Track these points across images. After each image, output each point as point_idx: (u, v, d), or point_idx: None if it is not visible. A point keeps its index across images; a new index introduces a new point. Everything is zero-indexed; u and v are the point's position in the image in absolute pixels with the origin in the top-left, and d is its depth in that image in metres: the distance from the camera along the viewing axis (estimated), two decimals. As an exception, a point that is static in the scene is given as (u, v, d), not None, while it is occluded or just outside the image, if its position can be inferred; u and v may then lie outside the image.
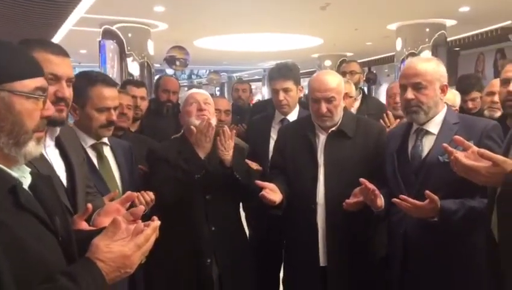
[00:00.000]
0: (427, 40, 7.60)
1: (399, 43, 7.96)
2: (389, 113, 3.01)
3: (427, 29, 7.62)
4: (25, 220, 0.99)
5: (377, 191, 1.95)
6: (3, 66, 0.99)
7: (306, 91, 3.12)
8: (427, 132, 2.02)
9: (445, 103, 2.09)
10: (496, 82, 3.13)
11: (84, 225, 1.40)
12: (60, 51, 1.55)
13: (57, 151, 1.65)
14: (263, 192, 2.05)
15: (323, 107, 2.23)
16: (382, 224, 2.21)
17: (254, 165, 2.57)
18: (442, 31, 7.69)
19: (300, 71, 3.27)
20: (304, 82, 3.24)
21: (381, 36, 8.90)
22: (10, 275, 0.91)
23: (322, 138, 2.32)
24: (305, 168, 2.30)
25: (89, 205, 1.41)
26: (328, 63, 11.98)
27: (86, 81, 2.05)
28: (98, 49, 7.63)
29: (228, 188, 2.25)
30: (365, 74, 13.60)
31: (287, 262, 2.55)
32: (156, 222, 1.09)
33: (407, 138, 2.08)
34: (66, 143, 1.68)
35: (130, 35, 7.34)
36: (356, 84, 3.99)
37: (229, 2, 6.31)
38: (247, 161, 2.51)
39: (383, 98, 3.80)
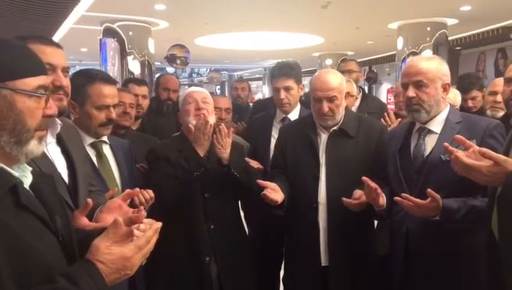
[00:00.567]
0: (428, 39, 7.58)
1: (400, 42, 7.94)
2: (390, 112, 3.01)
3: (428, 28, 7.60)
4: (26, 220, 0.98)
5: (379, 190, 1.94)
6: (5, 64, 0.98)
7: (306, 90, 3.12)
8: (430, 131, 2.01)
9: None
10: (498, 81, 3.13)
11: (84, 221, 1.40)
12: (53, 42, 1.61)
13: (58, 149, 1.65)
14: (265, 191, 2.05)
15: (325, 106, 2.23)
16: (384, 223, 2.21)
17: (254, 164, 2.57)
18: (444, 30, 7.67)
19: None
20: (305, 81, 3.24)
21: (382, 35, 8.88)
22: (9, 275, 0.90)
23: (323, 137, 2.31)
24: (306, 167, 2.29)
25: (89, 200, 1.40)
26: (329, 61, 11.95)
27: (85, 79, 2.05)
28: (99, 47, 7.61)
29: (227, 186, 2.24)
30: (366, 72, 13.65)
31: (288, 261, 2.55)
32: (157, 224, 1.08)
33: (409, 137, 2.08)
34: (67, 140, 1.67)
35: (130, 33, 7.32)
36: (354, 83, 3.99)
37: (229, 1, 6.30)
38: (247, 159, 2.50)
39: (383, 97, 3.81)
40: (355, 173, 2.09)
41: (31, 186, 1.05)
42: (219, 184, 2.24)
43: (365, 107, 3.73)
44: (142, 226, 1.06)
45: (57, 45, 1.62)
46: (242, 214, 2.75)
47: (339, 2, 6.28)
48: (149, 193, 1.98)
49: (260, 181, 2.09)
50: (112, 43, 7.37)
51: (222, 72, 17.61)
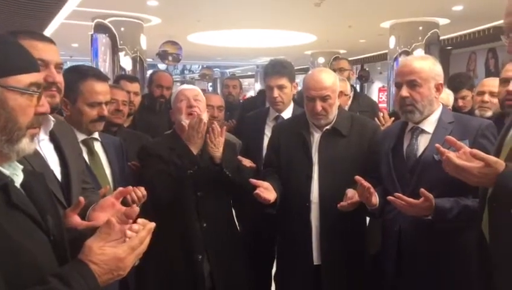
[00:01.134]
0: (420, 38, 7.63)
1: (392, 41, 7.97)
2: (384, 111, 3.02)
3: (420, 28, 7.64)
4: (17, 219, 0.97)
5: (372, 189, 1.94)
6: None
7: (299, 88, 3.12)
8: (423, 131, 2.02)
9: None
10: (487, 81, 3.15)
11: (76, 219, 1.38)
12: (45, 38, 1.58)
13: (51, 146, 1.63)
14: (257, 190, 2.04)
15: (318, 105, 2.23)
16: (375, 221, 2.22)
17: (247, 162, 2.56)
18: (435, 30, 7.72)
19: (293, 68, 3.25)
20: (297, 79, 3.23)
21: (374, 34, 8.91)
22: (0, 274, 0.89)
23: (316, 136, 2.31)
24: (299, 166, 2.29)
25: (81, 198, 1.39)
26: (321, 60, 11.96)
27: (76, 76, 2.02)
28: (90, 43, 7.55)
29: (220, 184, 2.23)
30: (358, 71, 13.69)
31: (279, 259, 2.55)
32: (151, 224, 1.07)
33: (402, 136, 2.08)
34: (60, 137, 1.66)
35: (122, 29, 7.27)
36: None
37: (222, -2, 6.28)
38: (240, 157, 2.50)
39: (375, 96, 3.82)
40: (348, 172, 2.09)
41: (22, 184, 1.04)
42: (212, 182, 2.23)
43: (356, 106, 3.74)
44: (135, 226, 1.05)
45: (50, 40, 1.59)
46: (234, 212, 2.75)
47: (332, 0, 6.28)
48: (141, 191, 1.97)
49: (253, 180, 2.08)
50: (103, 39, 7.31)
51: (214, 69, 17.57)
